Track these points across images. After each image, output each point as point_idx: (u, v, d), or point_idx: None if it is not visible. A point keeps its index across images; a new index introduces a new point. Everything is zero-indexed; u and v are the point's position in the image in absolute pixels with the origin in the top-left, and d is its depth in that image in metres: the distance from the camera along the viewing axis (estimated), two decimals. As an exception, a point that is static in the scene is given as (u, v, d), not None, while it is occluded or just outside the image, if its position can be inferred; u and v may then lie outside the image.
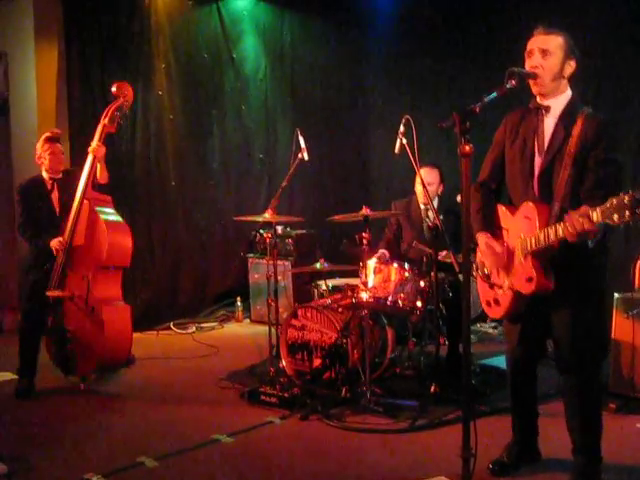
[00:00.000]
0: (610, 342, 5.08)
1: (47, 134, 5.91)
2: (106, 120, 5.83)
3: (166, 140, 8.45)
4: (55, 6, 7.67)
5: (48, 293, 5.54)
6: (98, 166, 5.75)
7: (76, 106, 7.65)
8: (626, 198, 2.78)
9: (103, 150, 5.76)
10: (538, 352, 3.82)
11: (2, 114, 8.15)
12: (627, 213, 2.78)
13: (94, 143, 5.74)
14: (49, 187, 5.82)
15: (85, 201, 5.68)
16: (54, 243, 5.59)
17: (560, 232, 3.13)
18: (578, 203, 3.28)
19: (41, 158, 5.82)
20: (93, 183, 5.75)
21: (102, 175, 5.79)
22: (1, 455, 4.11)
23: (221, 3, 8.86)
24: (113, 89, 5.94)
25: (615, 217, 2.84)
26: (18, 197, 5.83)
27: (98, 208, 5.70)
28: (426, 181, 5.78)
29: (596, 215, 2.94)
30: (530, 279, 3.36)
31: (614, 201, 2.84)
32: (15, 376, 5.79)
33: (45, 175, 5.84)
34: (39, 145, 5.85)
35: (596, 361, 3.71)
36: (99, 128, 5.82)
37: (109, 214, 5.79)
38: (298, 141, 5.89)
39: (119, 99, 5.91)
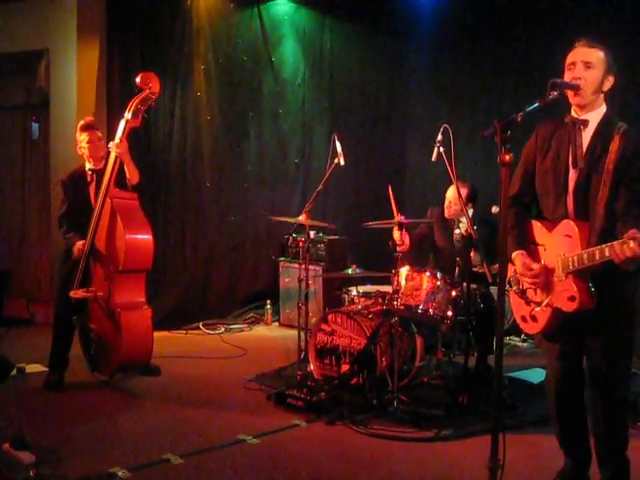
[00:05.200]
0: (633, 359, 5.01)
1: (81, 122, 5.82)
2: (129, 114, 5.61)
3: (202, 141, 8.51)
4: (98, 4, 7.79)
5: (71, 294, 5.49)
6: (125, 166, 5.59)
7: (115, 104, 7.71)
8: None
9: (125, 146, 5.57)
10: (581, 367, 3.69)
11: (43, 109, 8.25)
12: None
13: (116, 139, 5.58)
14: (88, 179, 5.77)
15: (108, 200, 5.54)
16: (75, 248, 5.56)
17: (606, 253, 3.08)
18: (613, 220, 3.26)
19: (81, 148, 5.76)
20: (124, 185, 5.64)
21: (132, 174, 5.62)
22: (29, 445, 4.14)
23: (262, 7, 8.90)
24: (137, 80, 5.71)
25: None
26: (60, 191, 5.86)
27: (119, 208, 5.53)
28: (451, 199, 5.79)
29: None
30: (573, 298, 3.32)
31: None
32: (45, 368, 5.86)
33: (87, 166, 5.80)
34: (77, 135, 5.78)
35: (626, 377, 3.67)
36: (122, 123, 5.62)
37: (130, 214, 5.60)
38: (335, 146, 5.89)
39: (144, 91, 5.69)
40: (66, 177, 5.90)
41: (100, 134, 5.89)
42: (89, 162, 5.80)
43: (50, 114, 8.15)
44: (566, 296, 3.35)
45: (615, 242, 3.05)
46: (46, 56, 8.08)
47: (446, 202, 6.02)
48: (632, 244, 2.97)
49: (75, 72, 7.77)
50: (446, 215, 6.06)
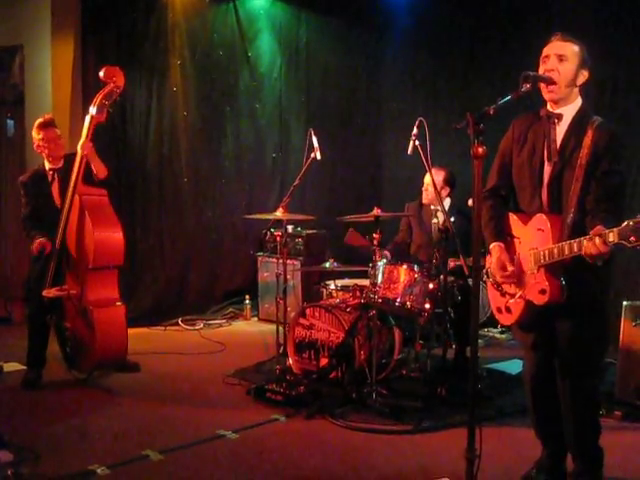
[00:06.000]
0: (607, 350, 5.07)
1: (39, 120, 5.72)
2: (94, 109, 5.53)
3: (179, 137, 8.47)
4: (73, 0, 7.71)
5: (43, 293, 5.44)
6: (92, 164, 5.53)
7: (91, 100, 7.60)
8: None
9: (90, 146, 5.50)
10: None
11: (17, 106, 8.18)
12: None
13: (82, 136, 5.51)
14: (50, 179, 5.70)
15: (76, 197, 5.48)
16: (34, 245, 5.46)
17: (575, 249, 3.12)
18: (584, 213, 3.31)
19: (39, 147, 5.67)
20: (92, 180, 5.57)
21: (99, 170, 5.57)
22: (8, 444, 4.13)
23: (238, 2, 8.86)
24: (101, 74, 5.60)
25: (632, 239, 2.86)
26: (21, 191, 5.76)
27: (88, 205, 5.46)
28: (429, 183, 5.85)
29: (612, 236, 2.95)
30: (543, 291, 3.35)
31: (630, 223, 2.85)
32: (23, 367, 5.83)
33: (47, 165, 5.73)
34: (34, 133, 5.67)
35: (595, 368, 3.72)
36: (87, 118, 5.54)
37: (99, 211, 5.53)
38: (311, 141, 5.90)
39: (108, 85, 5.59)
40: (26, 177, 5.80)
41: (59, 132, 5.79)
42: (48, 161, 5.74)
43: (25, 111, 8.06)
44: (537, 289, 3.39)
45: (582, 238, 3.10)
46: (20, 52, 8.00)
47: (424, 186, 6.16)
48: (597, 240, 3.01)
49: (50, 68, 7.68)
50: (424, 201, 6.22)
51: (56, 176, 5.71)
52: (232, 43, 8.89)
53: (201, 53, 8.61)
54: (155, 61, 8.20)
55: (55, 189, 5.70)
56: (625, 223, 2.88)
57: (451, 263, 5.57)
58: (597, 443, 3.63)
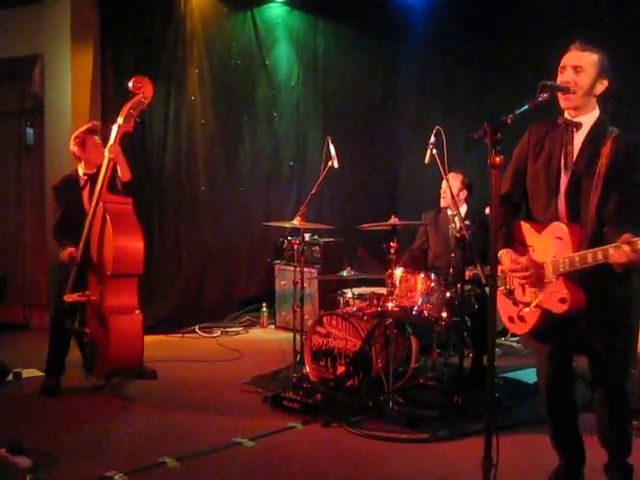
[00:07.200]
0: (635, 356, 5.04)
1: (88, 125, 5.82)
2: (121, 119, 5.61)
3: (197, 145, 8.52)
4: (92, 9, 7.78)
5: (64, 298, 5.48)
6: (118, 166, 5.59)
7: (109, 109, 7.70)
8: None
9: (118, 149, 5.56)
10: (571, 367, 3.73)
11: (37, 114, 8.26)
12: None
13: (109, 143, 5.56)
14: (82, 183, 5.76)
15: (100, 204, 5.53)
16: (64, 254, 5.55)
17: (600, 257, 3.09)
18: (601, 223, 3.29)
19: (84, 153, 5.72)
20: (116, 183, 5.63)
21: (124, 173, 5.61)
22: (26, 449, 4.15)
23: (256, 10, 8.93)
24: (130, 84, 5.70)
25: None
26: (52, 197, 5.83)
27: (111, 212, 5.49)
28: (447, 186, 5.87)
29: None
30: (563, 300, 3.33)
31: None
32: (41, 373, 5.87)
33: (80, 171, 5.80)
34: (77, 140, 5.74)
35: (627, 373, 3.71)
36: (114, 127, 5.61)
37: (121, 219, 5.55)
38: (329, 149, 5.91)
39: (136, 95, 5.68)
40: (59, 182, 5.88)
41: (99, 141, 5.86)
42: (83, 167, 5.80)
43: (45, 119, 8.16)
44: (557, 298, 3.36)
45: (609, 246, 3.07)
46: (40, 61, 8.08)
47: (441, 191, 6.22)
48: (627, 248, 2.99)
49: (69, 77, 7.75)
50: (442, 204, 6.27)
51: (88, 182, 5.76)
52: (250, 52, 8.94)
53: (219, 62, 8.67)
54: (173, 70, 8.26)
55: (86, 194, 5.75)
56: None
57: (468, 273, 5.56)
58: (631, 450, 3.64)
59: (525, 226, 3.62)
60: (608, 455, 3.65)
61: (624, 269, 3.09)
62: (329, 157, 5.92)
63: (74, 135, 5.82)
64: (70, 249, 5.55)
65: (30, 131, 8.43)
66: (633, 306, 3.62)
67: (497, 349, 6.58)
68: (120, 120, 5.63)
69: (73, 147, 5.78)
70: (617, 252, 3.03)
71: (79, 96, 7.76)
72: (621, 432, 3.62)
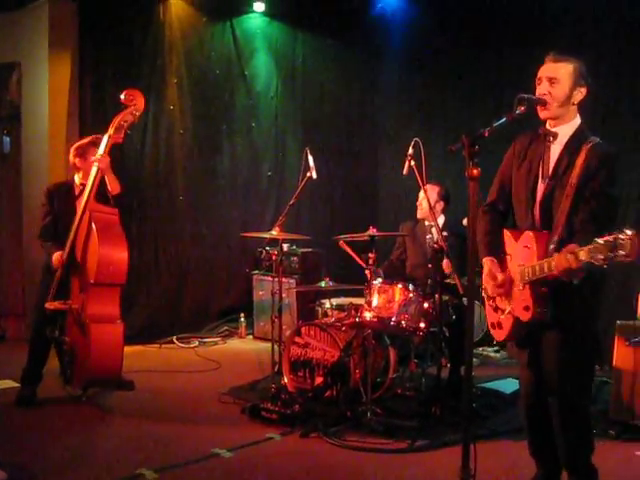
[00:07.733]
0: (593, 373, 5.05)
1: (92, 138, 5.79)
2: (112, 130, 5.60)
3: (175, 154, 8.50)
4: (71, 17, 7.74)
5: (46, 305, 5.44)
6: (106, 178, 5.57)
7: (87, 117, 7.71)
8: (611, 238, 2.79)
9: (107, 160, 5.54)
10: None
11: (14, 122, 8.20)
12: (610, 255, 2.80)
13: (98, 153, 5.56)
14: (77, 192, 5.73)
15: (87, 212, 5.51)
16: (54, 258, 5.53)
17: (553, 266, 3.15)
18: (572, 233, 3.32)
19: (84, 164, 5.66)
20: (106, 195, 5.60)
21: (113, 186, 5.61)
22: (1, 462, 4.11)
23: (235, 20, 8.93)
24: (122, 97, 5.68)
25: (600, 258, 2.85)
26: (44, 199, 5.78)
27: (97, 221, 5.48)
28: (424, 197, 5.89)
29: (583, 254, 2.96)
30: (527, 308, 3.37)
31: (600, 242, 2.84)
32: (16, 384, 5.80)
33: (77, 180, 5.77)
34: (78, 151, 5.72)
35: (581, 388, 3.62)
36: (105, 138, 5.60)
37: (107, 229, 5.53)
38: (307, 160, 5.92)
39: (128, 107, 5.68)
40: (53, 186, 5.87)
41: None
42: (80, 177, 5.76)
43: (22, 127, 8.10)
44: (522, 306, 3.41)
45: (555, 254, 3.14)
46: (18, 69, 8.03)
47: (418, 202, 6.23)
48: (569, 257, 3.03)
49: (47, 85, 7.71)
50: (418, 215, 6.29)
51: (83, 191, 5.67)
52: (229, 62, 8.94)
53: (198, 71, 8.66)
54: (152, 79, 8.22)
55: (79, 203, 5.67)
56: (594, 243, 2.87)
57: (446, 270, 5.58)
58: (590, 462, 3.62)
59: (506, 234, 3.66)
60: (563, 464, 3.67)
61: (569, 278, 3.15)
62: (308, 168, 5.94)
63: (76, 146, 5.81)
64: (57, 254, 5.52)
65: (7, 139, 8.35)
66: (598, 323, 3.65)
67: (474, 359, 6.60)
68: (111, 131, 5.61)
69: (74, 158, 5.76)
70: (559, 260, 3.09)
71: (56, 104, 7.72)
72: (572, 444, 3.58)
